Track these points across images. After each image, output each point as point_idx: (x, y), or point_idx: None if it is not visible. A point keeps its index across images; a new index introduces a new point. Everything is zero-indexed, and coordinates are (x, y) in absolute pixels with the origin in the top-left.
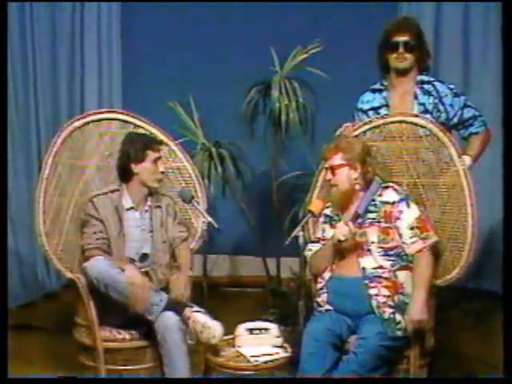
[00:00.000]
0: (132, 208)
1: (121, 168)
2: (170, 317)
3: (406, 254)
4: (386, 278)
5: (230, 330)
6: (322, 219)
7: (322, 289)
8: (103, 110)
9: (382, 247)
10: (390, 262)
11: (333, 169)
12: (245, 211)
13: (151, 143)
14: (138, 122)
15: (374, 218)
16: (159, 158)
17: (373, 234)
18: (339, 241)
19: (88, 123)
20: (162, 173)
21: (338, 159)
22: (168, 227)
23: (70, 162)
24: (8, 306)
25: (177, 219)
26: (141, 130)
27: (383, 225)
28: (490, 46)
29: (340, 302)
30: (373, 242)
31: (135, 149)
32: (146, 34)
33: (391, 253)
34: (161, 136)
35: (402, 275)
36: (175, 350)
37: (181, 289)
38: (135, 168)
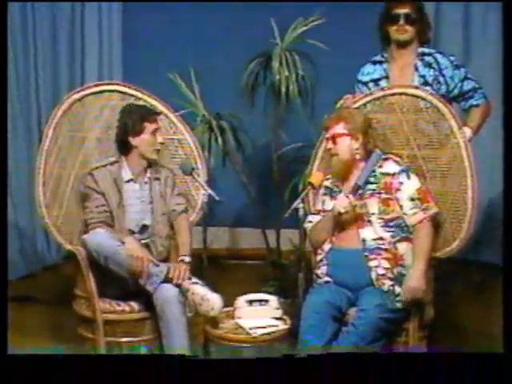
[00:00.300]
0: (131, 180)
1: (119, 141)
2: (169, 289)
3: (407, 226)
4: (385, 250)
5: (229, 301)
6: (321, 191)
7: (321, 261)
8: (103, 82)
9: (383, 218)
10: (391, 233)
11: (334, 137)
12: (245, 183)
13: (148, 115)
14: (138, 94)
15: (374, 189)
16: (157, 128)
17: (373, 205)
18: (339, 213)
19: (88, 95)
20: (161, 143)
21: (339, 128)
22: (166, 199)
23: (70, 134)
24: (8, 278)
25: (175, 191)
26: (141, 102)
27: (383, 196)
28: (490, 18)
29: (340, 273)
30: (373, 214)
31: (133, 121)
32: (147, 6)
33: (391, 224)
34: (161, 107)
35: (403, 247)
36: (174, 322)
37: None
38: (133, 140)
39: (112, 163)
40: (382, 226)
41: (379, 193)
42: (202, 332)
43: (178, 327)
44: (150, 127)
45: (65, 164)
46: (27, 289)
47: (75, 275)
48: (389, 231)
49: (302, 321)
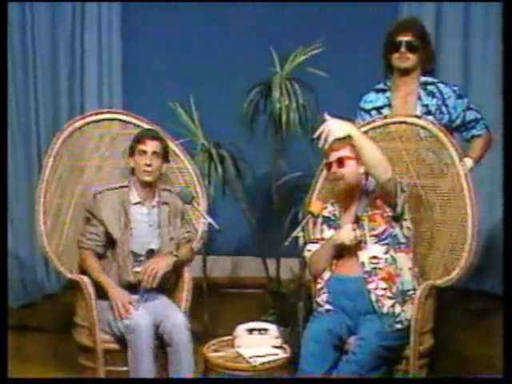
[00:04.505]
0: (139, 203)
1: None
2: (178, 317)
3: (401, 235)
4: (381, 269)
5: (229, 330)
6: (320, 220)
7: (321, 289)
8: (103, 110)
9: (373, 235)
10: (385, 247)
11: (342, 160)
12: (245, 212)
13: (139, 136)
14: (138, 122)
15: (367, 211)
16: (144, 151)
17: (364, 224)
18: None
19: (88, 124)
20: (148, 165)
21: (347, 151)
22: (176, 226)
23: (70, 163)
24: (8, 306)
25: (184, 218)
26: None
27: (370, 213)
28: (490, 46)
29: (340, 301)
30: (366, 233)
31: (131, 143)
32: (147, 34)
33: (383, 237)
34: (161, 136)
35: (400, 260)
36: (182, 349)
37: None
38: (130, 162)
39: (121, 187)
40: (375, 243)
41: (366, 211)
42: (203, 361)
43: (185, 354)
44: (138, 148)
45: (65, 193)
46: (27, 317)
47: (75, 304)
48: (383, 244)
49: (302, 349)
